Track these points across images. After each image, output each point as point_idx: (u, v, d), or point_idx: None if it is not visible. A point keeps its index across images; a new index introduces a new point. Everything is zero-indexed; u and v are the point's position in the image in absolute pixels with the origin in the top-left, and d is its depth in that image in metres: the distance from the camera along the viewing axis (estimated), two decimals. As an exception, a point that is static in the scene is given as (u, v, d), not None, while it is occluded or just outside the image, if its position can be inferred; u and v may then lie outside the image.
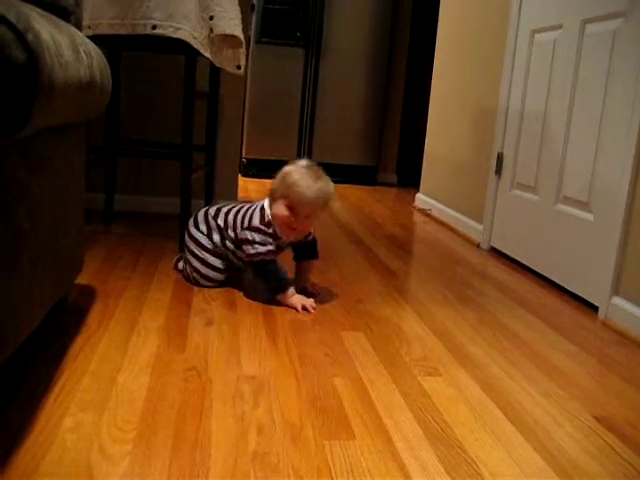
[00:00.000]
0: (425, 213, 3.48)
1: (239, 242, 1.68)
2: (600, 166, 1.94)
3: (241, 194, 3.02)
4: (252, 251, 1.64)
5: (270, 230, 1.65)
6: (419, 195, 3.71)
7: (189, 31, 1.89)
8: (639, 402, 1.30)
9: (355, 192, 4.06)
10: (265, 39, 4.18)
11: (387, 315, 1.68)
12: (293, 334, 1.47)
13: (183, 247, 1.82)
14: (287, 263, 1.81)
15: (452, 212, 3.15)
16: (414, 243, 2.77)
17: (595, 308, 1.89)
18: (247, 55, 2.58)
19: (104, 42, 1.90)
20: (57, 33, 0.99)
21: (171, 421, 1.03)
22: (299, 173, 1.62)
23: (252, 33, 4.11)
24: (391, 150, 4.72)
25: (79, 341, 1.31)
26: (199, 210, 1.82)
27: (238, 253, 1.71)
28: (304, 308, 1.63)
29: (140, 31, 1.90)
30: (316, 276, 1.86)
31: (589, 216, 1.99)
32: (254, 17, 4.10)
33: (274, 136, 4.31)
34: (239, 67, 2.16)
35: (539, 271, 2.27)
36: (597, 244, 1.92)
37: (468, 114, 3.06)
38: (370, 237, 2.68)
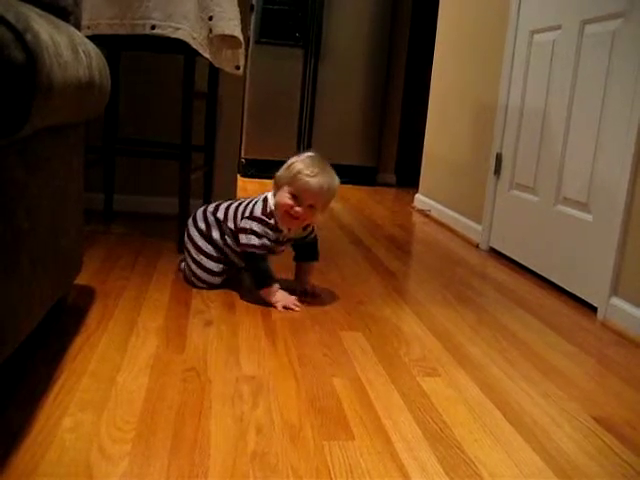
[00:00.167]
0: (424, 214, 3.48)
1: (237, 232, 1.66)
2: (599, 166, 1.94)
3: (240, 194, 3.02)
4: (245, 240, 1.63)
5: (271, 221, 1.63)
6: (418, 196, 3.71)
7: (188, 31, 1.89)
8: (638, 403, 1.30)
9: (355, 193, 4.06)
10: (264, 39, 4.18)
11: (386, 315, 1.68)
12: (292, 334, 1.47)
13: (182, 248, 1.82)
14: (287, 263, 1.81)
15: (451, 213, 3.15)
16: (413, 244, 2.77)
17: (594, 309, 1.89)
18: (246, 55, 2.58)
19: (103, 42, 1.90)
20: (56, 33, 0.99)
21: (170, 421, 1.03)
22: (304, 163, 1.61)
23: (251, 33, 4.11)
24: (390, 150, 4.72)
25: (78, 341, 1.31)
26: (198, 208, 1.81)
27: (237, 249, 1.70)
28: (286, 307, 1.62)
29: (139, 31, 1.90)
30: (316, 277, 1.85)
31: (588, 217, 1.99)
32: (253, 17, 4.10)
33: (273, 136, 4.31)
34: (238, 67, 2.16)
35: (538, 272, 2.27)
36: (596, 244, 1.93)
37: (467, 114, 3.06)
38: (370, 238, 2.68)
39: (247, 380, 1.21)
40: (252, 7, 3.99)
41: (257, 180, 4.14)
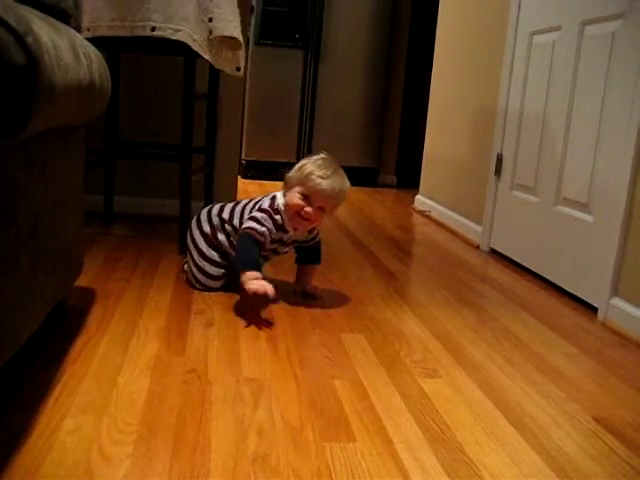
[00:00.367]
0: (425, 214, 3.48)
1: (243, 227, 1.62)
2: (599, 167, 1.94)
3: (240, 196, 3.02)
4: (248, 225, 1.59)
5: (277, 217, 1.61)
6: (418, 197, 3.71)
7: (188, 33, 1.89)
8: (639, 403, 1.30)
9: (355, 194, 4.06)
10: (264, 41, 4.18)
11: (387, 317, 1.68)
12: (293, 336, 1.47)
13: (184, 249, 1.81)
14: (288, 265, 1.81)
15: (451, 214, 3.15)
16: (414, 245, 2.77)
17: (595, 309, 1.89)
18: (246, 57, 2.59)
19: (103, 44, 1.90)
20: (57, 36, 0.99)
21: (171, 423, 1.03)
22: (316, 164, 1.61)
23: (251, 35, 4.11)
24: (390, 151, 4.72)
25: (79, 343, 1.31)
26: (201, 210, 1.80)
27: None
28: (255, 294, 1.48)
29: (139, 33, 1.91)
30: (316, 278, 1.85)
31: (588, 217, 1.99)
32: (253, 19, 4.11)
33: (274, 138, 4.31)
34: (238, 69, 2.16)
35: (539, 272, 2.27)
36: (597, 245, 1.93)
37: (467, 115, 3.06)
38: (370, 239, 2.68)
39: (248, 382, 1.21)
40: (252, 8, 3.99)
41: (258, 181, 4.14)
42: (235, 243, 1.66)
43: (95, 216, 2.44)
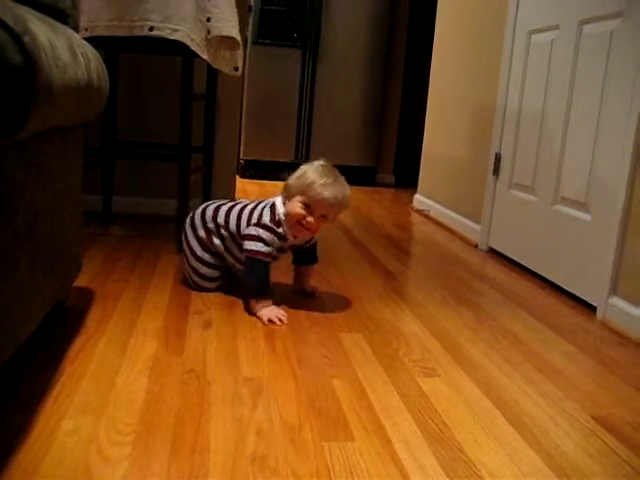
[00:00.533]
0: (423, 214, 3.48)
1: (243, 237, 1.62)
2: (598, 166, 1.94)
3: (239, 195, 3.02)
4: (253, 247, 1.58)
5: (280, 230, 1.60)
6: (417, 196, 3.71)
7: (186, 33, 1.89)
8: (637, 402, 1.30)
9: (354, 193, 4.01)
10: (262, 40, 4.18)
11: (385, 316, 1.68)
12: (291, 336, 1.47)
13: (181, 249, 1.81)
14: (286, 267, 1.81)
15: (450, 213, 3.15)
16: (412, 244, 2.77)
17: (593, 308, 1.90)
18: (244, 56, 2.58)
19: (101, 44, 1.90)
20: (54, 36, 0.99)
21: (170, 423, 1.03)
22: (317, 172, 1.58)
23: (249, 34, 4.11)
24: (389, 151, 4.72)
25: (78, 343, 1.31)
26: (194, 210, 1.77)
27: (238, 255, 1.67)
28: (270, 321, 1.54)
29: (137, 33, 1.90)
30: (314, 277, 1.85)
31: (587, 216, 1.99)
32: (251, 18, 4.10)
33: (272, 137, 4.31)
34: (236, 69, 2.16)
35: (537, 271, 2.27)
36: (595, 244, 1.93)
37: (466, 114, 3.06)
38: (369, 238, 2.68)
39: (246, 382, 1.21)
40: (250, 8, 3.99)
41: (256, 181, 4.13)
42: (231, 248, 1.67)
43: (94, 216, 2.44)
